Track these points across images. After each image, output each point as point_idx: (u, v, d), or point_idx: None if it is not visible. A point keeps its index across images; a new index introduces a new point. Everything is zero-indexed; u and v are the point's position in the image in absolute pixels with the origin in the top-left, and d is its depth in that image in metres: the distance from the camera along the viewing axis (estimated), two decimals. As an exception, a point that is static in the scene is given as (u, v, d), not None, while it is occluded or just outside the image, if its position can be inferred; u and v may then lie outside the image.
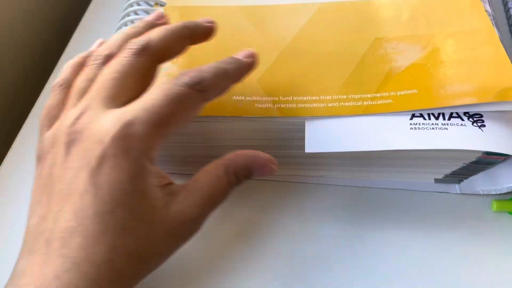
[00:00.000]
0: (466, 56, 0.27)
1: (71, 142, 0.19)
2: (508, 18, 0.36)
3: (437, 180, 0.28)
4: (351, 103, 0.26)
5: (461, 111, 0.25)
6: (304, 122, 0.25)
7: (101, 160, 0.18)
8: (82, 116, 0.20)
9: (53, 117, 0.21)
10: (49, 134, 0.21)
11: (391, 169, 0.28)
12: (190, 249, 0.23)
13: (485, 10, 0.29)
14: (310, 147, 0.25)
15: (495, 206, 0.27)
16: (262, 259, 0.26)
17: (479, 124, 0.24)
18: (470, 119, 0.24)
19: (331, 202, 0.28)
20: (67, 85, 0.22)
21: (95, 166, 0.18)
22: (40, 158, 0.21)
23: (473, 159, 0.26)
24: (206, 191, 0.21)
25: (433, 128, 0.24)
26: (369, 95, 0.26)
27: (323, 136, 0.25)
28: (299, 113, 0.25)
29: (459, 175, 0.28)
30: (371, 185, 0.28)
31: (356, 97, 0.26)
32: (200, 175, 0.22)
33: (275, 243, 0.26)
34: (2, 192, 0.29)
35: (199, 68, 0.21)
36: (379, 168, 0.28)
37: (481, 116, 0.24)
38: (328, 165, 0.28)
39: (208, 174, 0.21)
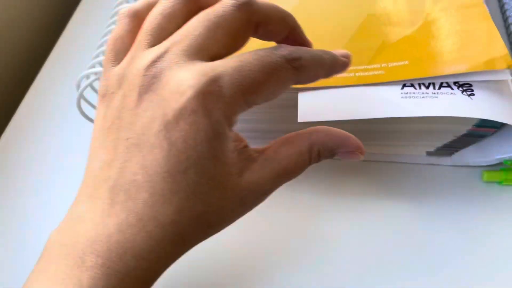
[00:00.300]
0: (457, 29, 0.27)
1: (146, 87, 0.17)
2: (503, 13, 0.36)
3: (428, 153, 0.29)
4: (343, 75, 0.26)
5: (450, 80, 0.25)
6: (297, 93, 0.26)
7: (179, 114, 0.17)
8: (160, 60, 0.18)
9: (120, 52, 0.19)
10: (116, 71, 0.19)
11: (383, 142, 0.28)
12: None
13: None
14: (303, 116, 0.25)
15: (485, 176, 0.27)
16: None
17: (469, 93, 0.24)
18: (460, 88, 0.25)
19: (323, 174, 0.28)
20: (139, 17, 0.20)
21: (172, 120, 0.17)
22: (104, 96, 0.19)
23: (464, 131, 0.26)
24: (283, 165, 0.19)
25: (423, 97, 0.25)
26: (361, 67, 0.26)
27: (316, 106, 0.25)
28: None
29: (450, 147, 0.28)
30: (363, 158, 0.29)
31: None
32: (281, 144, 0.20)
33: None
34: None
35: (296, 46, 0.20)
36: (371, 141, 0.28)
37: (471, 85, 0.25)
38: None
39: (290, 147, 0.20)
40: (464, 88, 0.25)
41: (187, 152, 0.17)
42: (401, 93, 0.25)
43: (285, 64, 0.18)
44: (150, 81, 0.17)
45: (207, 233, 0.18)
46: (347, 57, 0.22)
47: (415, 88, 0.25)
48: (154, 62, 0.18)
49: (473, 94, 0.24)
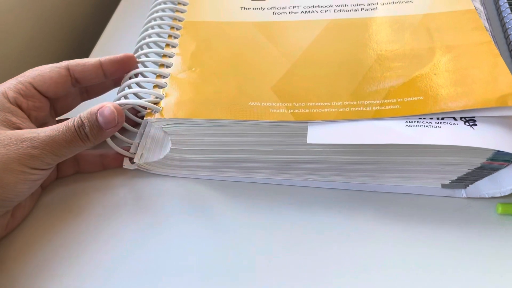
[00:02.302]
0: (467, 66, 0.28)
1: None
2: (506, 38, 0.38)
3: (444, 186, 0.29)
4: (361, 108, 0.27)
5: (461, 115, 0.26)
6: (307, 125, 0.27)
7: None
8: None
9: None
10: None
11: (399, 174, 0.29)
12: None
13: (484, 26, 0.31)
14: (312, 138, 0.26)
15: (500, 209, 0.28)
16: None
17: (471, 123, 0.26)
18: (462, 119, 0.26)
19: (341, 206, 0.29)
20: None
21: None
22: None
23: (478, 164, 0.27)
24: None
25: (427, 126, 0.26)
26: (377, 101, 0.27)
27: (324, 130, 0.26)
28: (313, 118, 0.27)
29: (465, 180, 0.29)
30: (380, 190, 0.30)
31: (365, 103, 0.27)
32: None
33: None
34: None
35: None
36: (387, 174, 0.29)
37: (473, 116, 0.26)
38: (338, 170, 0.29)
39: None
40: (467, 119, 0.26)
41: None
42: (406, 121, 0.26)
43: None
44: None
45: None
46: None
47: (420, 118, 0.26)
48: None
49: (475, 125, 0.25)
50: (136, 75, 0.31)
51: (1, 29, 0.40)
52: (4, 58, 0.41)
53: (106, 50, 0.41)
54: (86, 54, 0.41)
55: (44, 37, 0.45)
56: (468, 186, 0.29)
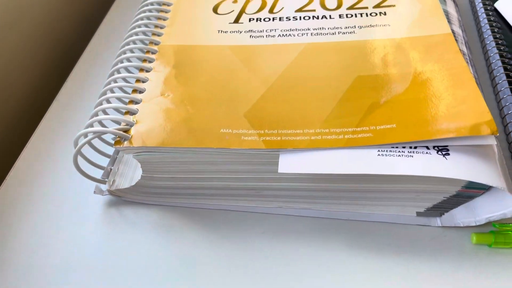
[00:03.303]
0: (441, 93, 0.28)
1: None
2: (486, 60, 0.38)
3: (419, 214, 0.29)
4: (333, 137, 0.27)
5: (434, 144, 0.26)
6: (278, 153, 0.26)
7: None
8: None
9: None
10: None
11: (372, 202, 0.29)
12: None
13: (461, 50, 0.30)
14: (283, 168, 0.26)
15: (474, 239, 0.27)
16: None
17: (444, 152, 0.25)
18: (435, 148, 0.25)
19: (314, 236, 0.28)
20: None
21: None
22: None
23: (453, 192, 0.27)
24: None
25: (399, 155, 0.25)
26: (350, 129, 0.27)
27: (296, 161, 0.26)
28: (284, 146, 0.26)
29: (440, 208, 0.28)
30: (354, 218, 0.29)
31: (337, 130, 0.27)
32: None
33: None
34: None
35: None
36: (360, 201, 0.29)
37: (446, 145, 0.25)
38: (311, 197, 0.29)
39: None
40: (440, 148, 0.25)
41: None
42: (378, 151, 0.26)
43: None
44: None
45: None
46: None
47: (392, 147, 0.26)
48: None
49: (448, 154, 0.25)
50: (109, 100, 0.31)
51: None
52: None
53: (86, 70, 0.40)
54: (67, 71, 0.41)
55: (25, 54, 0.45)
56: (444, 214, 0.29)
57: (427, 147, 0.26)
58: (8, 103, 0.43)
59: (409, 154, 0.26)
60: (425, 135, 0.26)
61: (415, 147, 0.26)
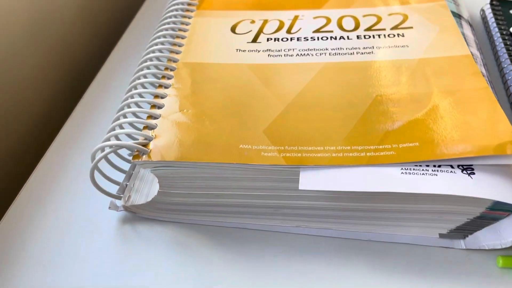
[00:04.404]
0: (465, 112, 0.28)
1: None
2: (504, 83, 0.38)
3: (441, 235, 0.28)
4: (354, 154, 0.26)
5: (459, 163, 0.25)
6: (299, 170, 0.26)
7: None
8: None
9: None
10: None
11: (394, 222, 0.28)
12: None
13: (481, 72, 0.30)
14: (304, 184, 0.25)
15: (501, 262, 0.26)
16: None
17: (469, 172, 0.25)
18: (460, 167, 0.25)
19: (334, 256, 0.27)
20: None
21: None
22: None
23: (477, 214, 0.26)
24: None
25: (423, 174, 0.25)
26: (372, 147, 0.27)
27: (317, 176, 0.25)
28: (305, 162, 0.26)
29: (464, 230, 0.27)
30: (375, 239, 0.28)
31: (359, 148, 0.27)
32: None
33: None
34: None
35: None
36: (382, 221, 0.28)
37: (471, 164, 0.25)
38: (331, 216, 0.28)
39: None
40: (465, 167, 0.25)
41: None
42: (401, 169, 0.25)
43: None
44: None
45: None
46: None
47: (415, 165, 0.25)
48: None
49: (473, 173, 0.25)
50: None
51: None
52: (3, 94, 0.41)
53: (103, 86, 0.40)
54: (83, 88, 0.41)
55: (42, 71, 0.45)
56: (467, 236, 0.28)
57: (452, 166, 0.25)
58: (24, 117, 0.43)
59: (433, 172, 0.25)
60: (449, 153, 0.25)
61: (439, 166, 0.25)
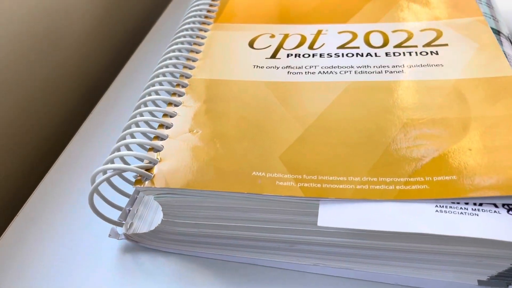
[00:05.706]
0: (509, 142, 0.24)
1: None
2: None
3: (481, 282, 0.25)
4: (382, 187, 0.23)
5: (504, 202, 0.22)
6: (318, 203, 0.23)
7: None
8: None
9: None
10: None
11: (426, 265, 0.25)
12: None
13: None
14: (324, 221, 0.22)
15: (552, 318, 0.23)
16: None
17: None
18: (505, 206, 0.22)
19: (357, 299, 0.24)
20: None
21: None
22: None
23: (523, 260, 0.22)
24: None
25: (461, 213, 0.22)
26: (402, 179, 0.23)
27: (339, 211, 0.23)
28: (325, 194, 0.23)
29: (507, 277, 0.24)
30: (404, 283, 0.25)
31: (387, 180, 0.23)
32: None
33: None
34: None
35: None
36: (411, 263, 0.25)
37: None
38: (354, 255, 0.25)
39: None
40: (511, 207, 0.22)
41: None
42: (436, 206, 0.22)
43: None
44: None
45: None
46: None
47: (453, 202, 0.22)
48: None
49: None
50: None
51: (7, 80, 0.38)
52: (15, 108, 0.39)
53: (115, 99, 0.39)
54: (94, 102, 0.39)
55: (54, 81, 0.44)
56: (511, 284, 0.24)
57: (495, 205, 0.22)
58: (31, 134, 0.42)
59: (474, 212, 0.22)
60: (494, 190, 0.22)
61: (480, 204, 0.22)
